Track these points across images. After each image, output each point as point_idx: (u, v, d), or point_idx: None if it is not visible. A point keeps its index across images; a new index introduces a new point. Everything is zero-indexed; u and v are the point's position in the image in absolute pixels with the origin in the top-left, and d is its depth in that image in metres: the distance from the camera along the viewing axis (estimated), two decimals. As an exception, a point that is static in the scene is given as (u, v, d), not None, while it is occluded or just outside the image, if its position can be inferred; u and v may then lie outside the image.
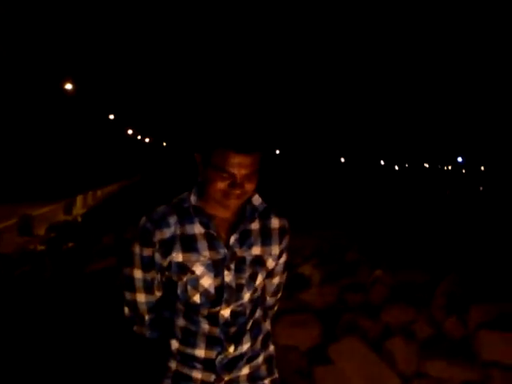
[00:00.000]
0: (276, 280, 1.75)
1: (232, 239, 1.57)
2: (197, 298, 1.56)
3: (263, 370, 1.68)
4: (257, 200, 1.63)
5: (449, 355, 3.23)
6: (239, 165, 1.48)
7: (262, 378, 1.67)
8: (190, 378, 1.60)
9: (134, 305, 1.65)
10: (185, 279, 1.56)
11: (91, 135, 56.62)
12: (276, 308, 1.85)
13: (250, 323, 1.63)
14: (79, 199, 18.29)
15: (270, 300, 1.78)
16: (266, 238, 1.64)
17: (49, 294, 4.91)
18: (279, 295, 1.82)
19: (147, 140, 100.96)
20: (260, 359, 1.67)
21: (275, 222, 1.66)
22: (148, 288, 1.63)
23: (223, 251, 1.56)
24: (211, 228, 1.56)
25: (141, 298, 1.64)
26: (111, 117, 58.57)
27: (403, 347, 3.34)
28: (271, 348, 1.73)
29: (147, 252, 1.57)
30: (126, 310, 1.68)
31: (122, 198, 21.59)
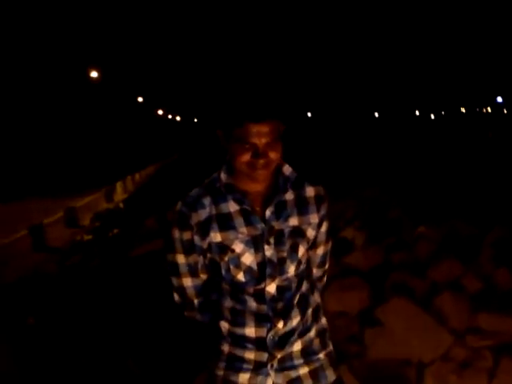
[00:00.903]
0: (320, 250, 1.73)
1: (268, 213, 1.56)
2: (241, 277, 1.56)
3: (316, 344, 1.66)
4: (287, 170, 1.61)
5: (501, 308, 3.18)
6: (258, 134, 1.48)
7: (316, 353, 1.65)
8: (243, 359, 1.60)
9: (181, 290, 1.66)
10: (226, 259, 1.55)
11: (122, 120, 57.27)
12: (325, 279, 1.82)
13: (297, 297, 1.61)
14: (119, 185, 18.64)
15: (317, 272, 1.76)
16: (302, 207, 1.61)
17: (98, 282, 5.07)
18: (327, 266, 1.79)
19: (178, 118, 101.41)
20: (312, 333, 1.65)
21: (310, 191, 1.63)
22: (193, 272, 1.63)
23: (260, 226, 1.55)
24: (246, 204, 1.55)
25: (187, 282, 1.65)
26: (140, 99, 59.02)
27: (452, 303, 3.30)
28: (323, 320, 1.71)
29: (186, 236, 1.58)
30: (175, 295, 1.69)
31: (160, 180, 21.88)
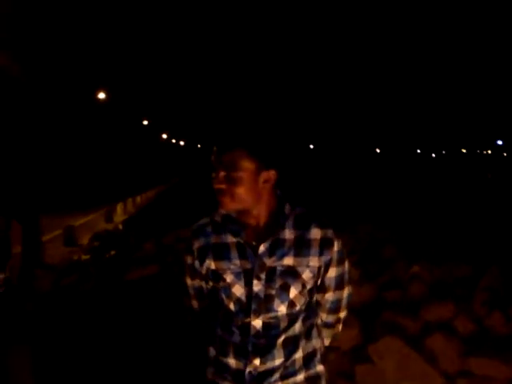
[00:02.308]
0: (330, 296, 1.66)
1: (262, 248, 1.55)
2: (232, 306, 1.57)
3: None
4: (287, 209, 1.61)
5: (493, 352, 3.19)
6: (218, 160, 1.54)
7: None
8: None
9: (190, 310, 1.77)
10: (219, 287, 1.59)
11: (127, 142, 57.68)
12: (339, 327, 1.75)
13: (284, 338, 1.57)
14: (119, 206, 18.70)
15: (326, 317, 1.70)
16: (301, 248, 1.58)
17: (92, 303, 5.07)
18: (341, 314, 1.72)
19: (182, 143, 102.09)
20: (299, 378, 1.59)
21: (315, 233, 1.59)
22: (199, 295, 1.71)
23: (252, 260, 1.55)
24: (240, 236, 1.58)
25: (194, 304, 1.74)
26: (145, 122, 59.55)
27: (445, 344, 3.31)
28: (319, 368, 1.64)
29: (190, 260, 1.66)
30: (188, 316, 1.80)
31: (161, 203, 21.93)
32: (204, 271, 1.62)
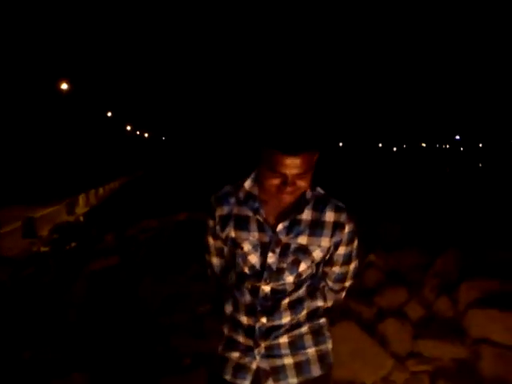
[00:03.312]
0: (337, 269, 1.83)
1: (280, 226, 1.71)
2: (246, 270, 1.74)
3: (307, 340, 1.78)
4: (309, 193, 1.73)
5: (440, 334, 3.34)
6: (289, 166, 1.58)
7: (305, 347, 1.77)
8: (236, 341, 1.79)
9: (210, 266, 1.92)
10: (237, 253, 1.76)
11: (90, 133, 56.64)
12: (343, 294, 1.94)
13: (288, 300, 1.75)
14: (81, 198, 18.41)
15: (333, 285, 1.88)
16: (315, 229, 1.73)
17: (51, 294, 5.03)
18: (347, 283, 1.90)
19: (146, 135, 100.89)
20: (303, 329, 1.78)
21: (330, 216, 1.75)
22: (219, 253, 1.87)
23: (270, 235, 1.71)
24: (259, 214, 1.72)
25: (214, 260, 1.90)
26: (109, 114, 58.58)
27: (396, 328, 3.45)
28: (321, 320, 1.82)
29: (212, 224, 1.82)
30: (208, 270, 1.96)
31: (124, 195, 21.68)
32: (224, 237, 1.78)
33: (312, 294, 1.81)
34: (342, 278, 1.87)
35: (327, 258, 1.80)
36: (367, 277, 4.27)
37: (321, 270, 1.83)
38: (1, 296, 5.16)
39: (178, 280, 4.52)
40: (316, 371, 1.78)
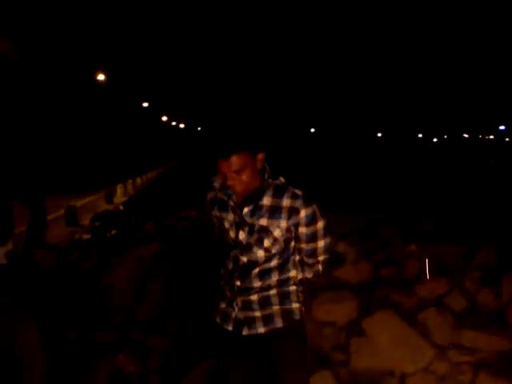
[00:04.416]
0: (304, 246, 2.25)
1: (245, 210, 2.18)
2: (229, 242, 2.24)
3: (274, 300, 2.24)
4: (267, 183, 2.18)
5: (482, 326, 3.30)
6: (224, 165, 2.07)
7: (271, 304, 2.24)
8: (224, 295, 2.31)
9: (203, 223, 2.76)
10: (221, 229, 2.28)
11: (127, 124, 57.54)
12: (319, 267, 2.32)
13: (258, 270, 2.21)
14: (119, 188, 18.77)
15: (306, 259, 2.29)
16: (274, 213, 2.17)
17: (94, 279, 5.18)
18: (320, 257, 2.30)
19: (182, 125, 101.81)
20: (271, 292, 2.24)
21: (286, 202, 2.16)
22: (209, 217, 2.43)
23: (239, 216, 2.19)
24: (231, 199, 2.21)
25: (206, 220, 2.60)
26: (145, 104, 59.37)
27: (437, 318, 3.42)
28: (290, 288, 2.27)
29: (207, 202, 2.36)
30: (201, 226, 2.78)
31: (161, 185, 22.00)
32: (213, 215, 2.30)
33: (282, 266, 2.24)
34: (312, 253, 2.27)
35: (294, 236, 2.22)
36: (407, 266, 4.24)
37: (291, 245, 2.25)
38: (47, 281, 5.35)
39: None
40: (279, 323, 2.23)
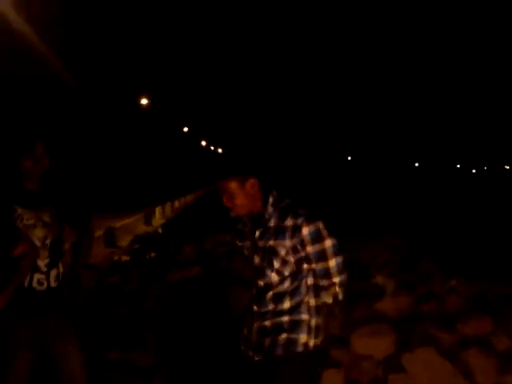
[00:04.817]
0: (315, 265, 2.28)
1: (257, 233, 2.33)
2: (252, 269, 2.38)
3: (286, 326, 2.27)
4: (270, 207, 2.31)
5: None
6: (220, 189, 2.33)
7: (282, 332, 2.27)
8: (246, 321, 2.41)
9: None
10: (245, 257, 2.46)
11: (167, 148, 58.61)
12: (336, 289, 2.32)
13: (272, 293, 2.29)
14: (158, 210, 19.08)
15: (321, 281, 2.31)
16: (279, 233, 2.27)
17: (134, 302, 5.27)
18: (334, 279, 2.30)
19: (220, 150, 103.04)
20: (284, 318, 2.28)
21: (289, 221, 2.26)
22: None
23: (252, 242, 2.35)
24: (246, 226, 2.40)
25: None
26: (185, 129, 60.51)
27: (481, 359, 3.34)
28: (303, 316, 2.28)
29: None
30: None
31: (199, 208, 22.21)
32: (237, 244, 2.50)
33: (296, 290, 2.27)
34: (325, 274, 2.29)
35: (304, 257, 2.26)
36: (449, 302, 4.16)
37: (304, 267, 2.28)
38: (88, 301, 5.47)
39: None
40: (279, 351, 2.26)
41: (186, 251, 7.28)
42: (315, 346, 2.29)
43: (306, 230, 2.22)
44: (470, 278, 4.59)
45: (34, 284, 2.59)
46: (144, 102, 38.47)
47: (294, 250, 2.24)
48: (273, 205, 2.30)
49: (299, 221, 2.23)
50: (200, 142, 79.50)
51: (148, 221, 15.91)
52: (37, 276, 2.59)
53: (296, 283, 2.26)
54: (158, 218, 18.06)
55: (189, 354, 4.10)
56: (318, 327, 2.30)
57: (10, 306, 2.14)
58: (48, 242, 2.66)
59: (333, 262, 2.26)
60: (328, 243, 2.24)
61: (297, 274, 2.26)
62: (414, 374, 3.36)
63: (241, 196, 2.27)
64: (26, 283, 2.52)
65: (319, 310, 2.32)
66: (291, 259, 2.24)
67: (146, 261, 7.53)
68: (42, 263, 2.60)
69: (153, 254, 7.93)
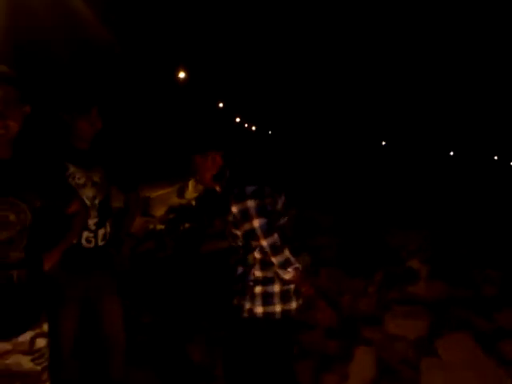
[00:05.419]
0: (255, 242, 2.45)
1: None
2: None
3: (238, 291, 2.52)
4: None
5: None
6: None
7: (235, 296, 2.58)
8: None
9: None
10: None
11: (200, 122, 58.58)
12: (277, 269, 2.45)
13: (235, 260, 2.65)
14: (191, 184, 19.20)
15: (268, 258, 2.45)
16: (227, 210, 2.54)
17: (168, 269, 5.39)
18: (273, 258, 2.40)
19: (253, 128, 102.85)
20: (237, 285, 2.54)
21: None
22: None
23: None
24: None
25: None
26: (220, 105, 60.52)
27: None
28: (249, 283, 2.51)
29: None
30: None
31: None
32: None
33: (244, 261, 2.54)
34: (265, 252, 2.39)
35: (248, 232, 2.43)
36: (484, 290, 4.13)
37: (253, 242, 2.43)
38: (123, 267, 5.61)
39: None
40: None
41: (217, 224, 7.39)
42: (266, 313, 2.45)
43: (234, 209, 2.40)
44: (506, 266, 4.54)
45: (83, 241, 2.68)
46: (181, 75, 38.53)
47: (234, 225, 2.45)
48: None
49: (233, 204, 2.42)
50: (234, 119, 79.46)
51: (181, 194, 16.06)
52: (86, 234, 2.67)
53: (244, 255, 2.47)
54: (190, 191, 18.19)
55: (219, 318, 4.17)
56: (267, 295, 2.44)
57: (60, 263, 2.21)
58: (97, 202, 2.73)
59: (264, 242, 2.35)
60: (256, 223, 2.35)
61: (246, 247, 2.45)
62: (447, 358, 3.33)
63: (201, 170, 2.65)
64: (76, 240, 2.60)
65: (268, 280, 2.45)
66: (238, 233, 2.44)
67: (179, 231, 7.69)
68: (91, 222, 2.67)
69: (186, 225, 8.09)
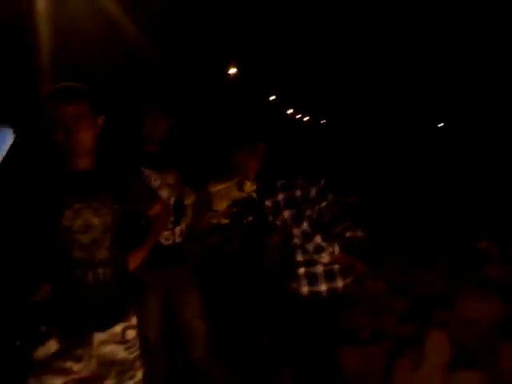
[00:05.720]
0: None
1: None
2: None
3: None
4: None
5: None
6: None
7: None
8: None
9: None
10: None
11: (254, 116, 58.84)
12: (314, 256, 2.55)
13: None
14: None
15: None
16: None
17: (237, 262, 5.53)
18: (307, 246, 2.51)
19: (306, 119, 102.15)
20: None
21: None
22: None
23: None
24: None
25: None
26: (272, 97, 60.49)
27: None
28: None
29: None
30: None
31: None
32: None
33: (291, 247, 2.65)
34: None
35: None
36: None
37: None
38: (195, 261, 5.80)
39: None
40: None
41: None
42: (311, 291, 2.55)
43: (268, 203, 2.57)
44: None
45: (162, 240, 2.83)
46: (232, 71, 38.77)
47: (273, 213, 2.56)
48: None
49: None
50: (286, 111, 79.15)
51: (241, 187, 16.25)
52: (164, 232, 2.83)
53: (286, 241, 2.61)
54: (249, 185, 18.37)
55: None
56: (310, 275, 2.56)
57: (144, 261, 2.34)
58: (172, 201, 2.88)
59: (296, 231, 2.48)
60: (285, 214, 2.49)
61: (286, 235, 2.58)
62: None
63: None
64: None
65: (309, 263, 2.56)
66: (277, 222, 2.55)
67: (244, 224, 7.83)
68: None
69: (250, 218, 8.23)
